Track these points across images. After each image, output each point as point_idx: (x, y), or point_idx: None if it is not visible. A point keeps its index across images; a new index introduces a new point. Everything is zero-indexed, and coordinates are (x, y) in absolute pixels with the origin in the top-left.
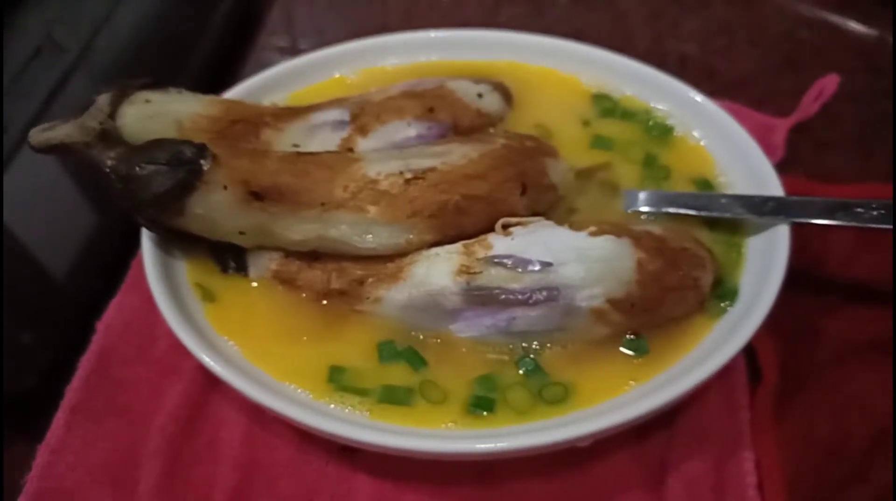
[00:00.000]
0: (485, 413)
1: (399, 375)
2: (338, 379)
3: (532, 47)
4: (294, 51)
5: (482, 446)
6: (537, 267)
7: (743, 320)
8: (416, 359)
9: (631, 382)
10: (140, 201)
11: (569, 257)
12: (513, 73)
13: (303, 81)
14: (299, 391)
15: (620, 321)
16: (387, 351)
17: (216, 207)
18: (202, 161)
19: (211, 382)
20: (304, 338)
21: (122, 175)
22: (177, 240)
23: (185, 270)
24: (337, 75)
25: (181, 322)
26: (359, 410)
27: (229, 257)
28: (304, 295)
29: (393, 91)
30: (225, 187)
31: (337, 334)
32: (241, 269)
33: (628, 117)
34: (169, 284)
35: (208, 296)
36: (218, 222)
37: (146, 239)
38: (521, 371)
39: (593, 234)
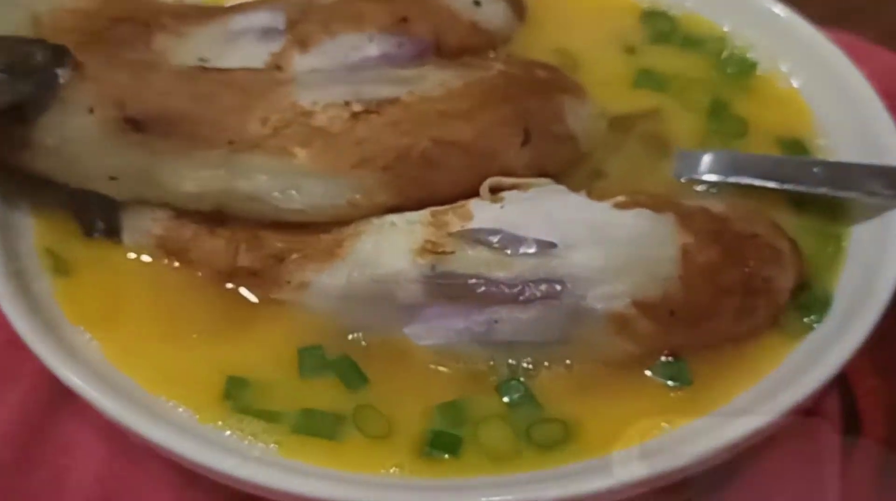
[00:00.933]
0: (446, 456)
1: (326, 395)
2: (237, 396)
3: None
4: None
5: None
6: (534, 248)
7: (835, 342)
8: (352, 373)
9: (663, 424)
10: None
11: (581, 236)
12: None
13: None
14: (181, 409)
15: (652, 335)
16: (311, 360)
17: (76, 137)
18: (59, 70)
19: (59, 392)
20: (194, 335)
21: None
22: (21, 185)
23: (33, 229)
24: None
25: (17, 302)
26: (265, 441)
27: (95, 213)
28: (198, 274)
29: None
30: (91, 110)
31: (241, 332)
32: (112, 232)
33: (691, 45)
34: (4, 244)
35: (61, 267)
36: (78, 161)
37: None
38: (503, 399)
39: (620, 206)
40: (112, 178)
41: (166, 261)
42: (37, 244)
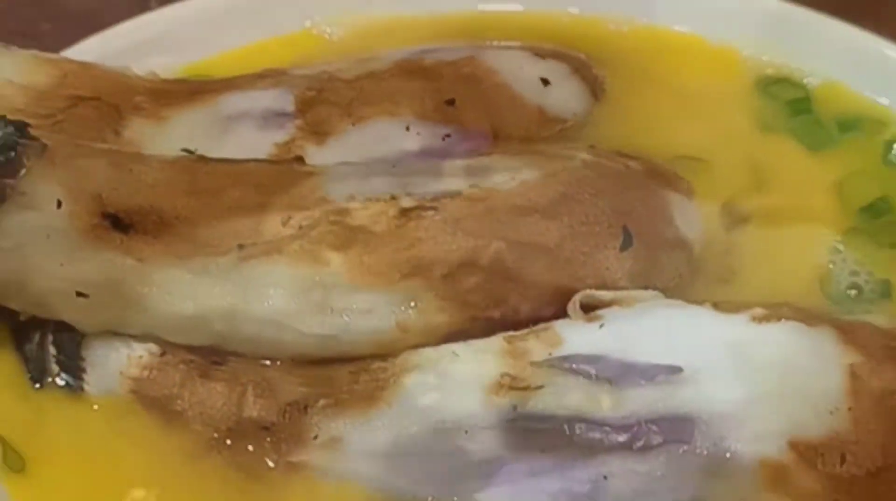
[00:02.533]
0: None
1: None
2: None
3: None
4: None
5: None
6: (653, 378)
7: None
8: None
9: None
10: None
11: (714, 359)
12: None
13: (223, 37)
14: None
15: (818, 491)
16: None
17: (38, 237)
18: (20, 150)
19: None
20: None
21: None
22: None
23: None
24: (303, 27)
25: None
26: None
27: (49, 351)
28: (194, 432)
29: (381, 62)
30: (59, 204)
31: None
32: (71, 374)
33: (843, 126)
34: None
35: (13, 461)
36: (39, 269)
37: None
38: None
39: (760, 319)
40: (80, 294)
41: (146, 415)
42: None
